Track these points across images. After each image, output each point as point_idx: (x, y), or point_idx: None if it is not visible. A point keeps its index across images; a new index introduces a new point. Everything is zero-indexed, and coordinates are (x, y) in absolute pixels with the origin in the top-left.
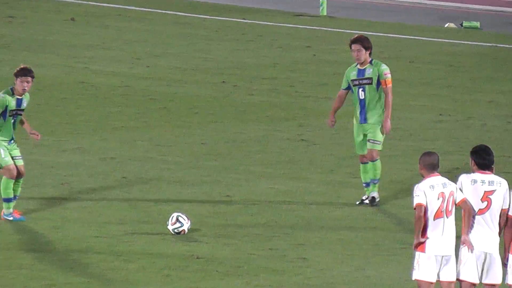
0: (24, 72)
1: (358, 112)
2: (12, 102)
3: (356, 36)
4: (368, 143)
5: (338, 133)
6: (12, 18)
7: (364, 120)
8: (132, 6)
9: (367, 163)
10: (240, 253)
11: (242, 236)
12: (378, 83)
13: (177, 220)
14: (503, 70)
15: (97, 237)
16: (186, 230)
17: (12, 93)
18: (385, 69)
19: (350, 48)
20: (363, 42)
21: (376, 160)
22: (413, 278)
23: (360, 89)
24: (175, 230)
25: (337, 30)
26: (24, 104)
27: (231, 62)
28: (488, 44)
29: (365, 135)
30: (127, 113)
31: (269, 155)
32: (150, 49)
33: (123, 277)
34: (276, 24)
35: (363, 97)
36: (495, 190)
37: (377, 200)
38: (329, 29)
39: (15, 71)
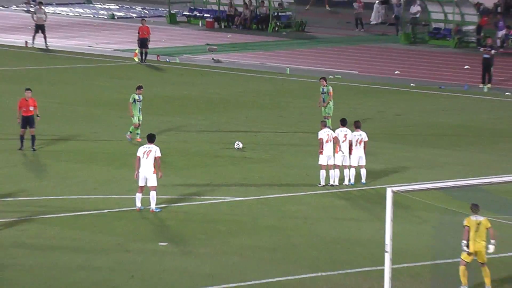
0: (140, 86)
1: (322, 104)
2: (136, 97)
3: (322, 76)
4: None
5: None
6: (202, 76)
7: (324, 107)
8: (217, 70)
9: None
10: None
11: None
12: (328, 94)
13: (237, 143)
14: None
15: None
16: (241, 147)
17: (135, 92)
18: (330, 88)
19: (320, 80)
20: (325, 78)
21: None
22: (320, 163)
23: (323, 95)
24: (237, 147)
25: (295, 79)
26: (141, 98)
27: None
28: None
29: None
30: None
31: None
32: (220, 91)
33: (214, 170)
34: (267, 76)
35: (323, 98)
36: (347, 133)
37: None
38: (291, 78)
39: (137, 86)
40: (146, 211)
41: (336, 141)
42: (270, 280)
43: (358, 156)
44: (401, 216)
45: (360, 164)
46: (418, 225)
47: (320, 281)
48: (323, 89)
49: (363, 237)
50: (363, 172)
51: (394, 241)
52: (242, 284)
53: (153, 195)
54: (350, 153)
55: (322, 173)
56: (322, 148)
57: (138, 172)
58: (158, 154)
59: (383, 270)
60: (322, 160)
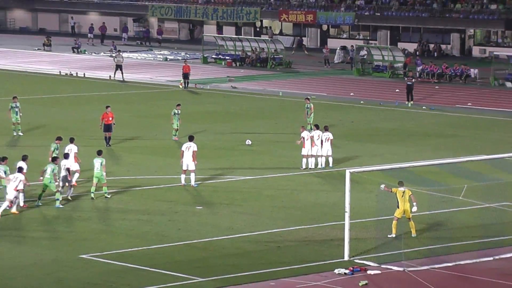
0: (178, 104)
1: (307, 117)
2: (176, 111)
3: (306, 97)
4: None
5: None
6: (224, 97)
7: (308, 119)
8: (234, 93)
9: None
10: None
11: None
12: (310, 109)
13: (247, 141)
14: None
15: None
16: (250, 144)
17: (175, 108)
18: (312, 105)
19: (304, 100)
20: (308, 98)
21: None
22: (302, 154)
23: (307, 110)
24: (247, 144)
25: (285, 99)
26: (179, 112)
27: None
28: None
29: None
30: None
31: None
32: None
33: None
34: (267, 97)
35: (307, 111)
36: (320, 134)
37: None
38: (283, 98)
39: (177, 104)
40: (187, 186)
41: (312, 139)
42: (269, 231)
43: (327, 149)
44: (355, 188)
45: (328, 154)
46: (367, 194)
47: (302, 231)
48: (307, 105)
49: (330, 202)
50: (330, 159)
51: (351, 204)
52: (251, 234)
53: (192, 175)
54: (321, 147)
55: (304, 160)
56: (304, 144)
57: (182, 160)
58: (195, 149)
59: (344, 224)
60: (304, 151)
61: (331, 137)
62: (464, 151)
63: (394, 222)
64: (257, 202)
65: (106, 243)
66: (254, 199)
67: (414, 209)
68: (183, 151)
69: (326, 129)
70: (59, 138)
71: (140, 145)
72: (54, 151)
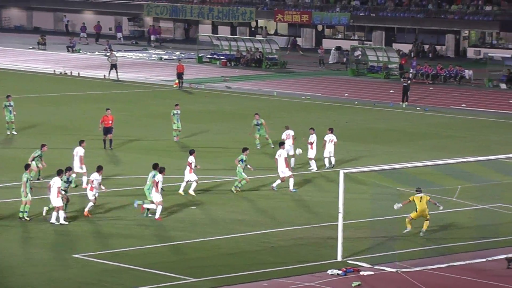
0: (177, 104)
1: (257, 131)
2: (174, 111)
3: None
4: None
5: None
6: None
7: (258, 133)
8: (228, 93)
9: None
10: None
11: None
12: (262, 124)
13: (298, 150)
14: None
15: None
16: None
17: (174, 108)
18: (263, 120)
19: (254, 114)
20: (259, 114)
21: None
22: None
23: (257, 127)
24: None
25: (280, 99)
26: (179, 112)
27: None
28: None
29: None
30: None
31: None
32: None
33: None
34: (261, 97)
35: (258, 128)
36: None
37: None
38: (277, 98)
39: (175, 104)
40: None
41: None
42: (264, 231)
43: (329, 150)
44: (350, 188)
45: (330, 156)
46: (361, 194)
47: (297, 232)
48: (257, 122)
49: (325, 202)
50: (332, 159)
51: (345, 205)
52: (246, 234)
53: (291, 180)
54: (325, 148)
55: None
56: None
57: (277, 167)
58: (285, 155)
59: (337, 224)
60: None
61: (335, 140)
62: (458, 152)
63: (407, 219)
64: (252, 202)
65: (100, 242)
66: (250, 199)
67: (441, 207)
68: (276, 159)
69: (331, 131)
70: (43, 145)
71: (135, 145)
72: (36, 158)
